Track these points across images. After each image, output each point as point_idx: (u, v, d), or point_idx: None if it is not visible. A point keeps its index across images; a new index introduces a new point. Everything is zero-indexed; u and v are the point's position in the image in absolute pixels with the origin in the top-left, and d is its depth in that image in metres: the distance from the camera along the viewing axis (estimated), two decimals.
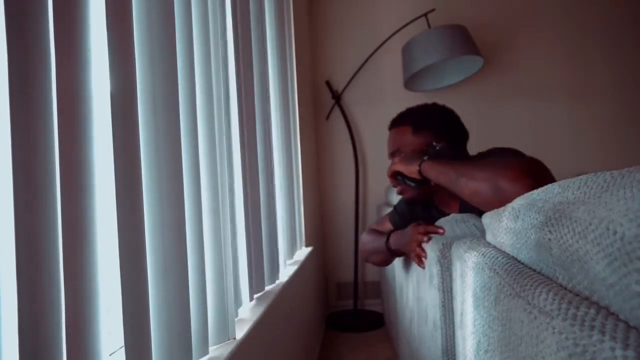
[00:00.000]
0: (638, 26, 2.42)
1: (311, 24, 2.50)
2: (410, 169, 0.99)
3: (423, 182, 1.00)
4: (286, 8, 1.68)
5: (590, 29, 2.42)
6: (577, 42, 2.42)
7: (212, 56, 0.76)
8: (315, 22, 2.50)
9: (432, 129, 1.09)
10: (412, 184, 1.03)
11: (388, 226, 1.29)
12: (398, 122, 1.15)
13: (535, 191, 0.50)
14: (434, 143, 1.04)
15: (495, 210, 0.59)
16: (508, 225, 0.52)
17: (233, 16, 0.92)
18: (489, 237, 0.63)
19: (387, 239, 1.13)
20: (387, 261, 1.21)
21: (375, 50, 2.29)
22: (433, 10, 2.19)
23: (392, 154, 1.14)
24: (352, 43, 2.46)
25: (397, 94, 2.43)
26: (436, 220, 0.97)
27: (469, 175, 0.80)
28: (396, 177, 1.07)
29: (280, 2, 1.52)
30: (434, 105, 1.15)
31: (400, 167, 1.02)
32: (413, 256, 0.98)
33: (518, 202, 0.52)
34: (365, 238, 1.29)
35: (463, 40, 1.97)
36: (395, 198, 1.55)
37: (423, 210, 1.17)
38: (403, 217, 1.24)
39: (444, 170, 0.88)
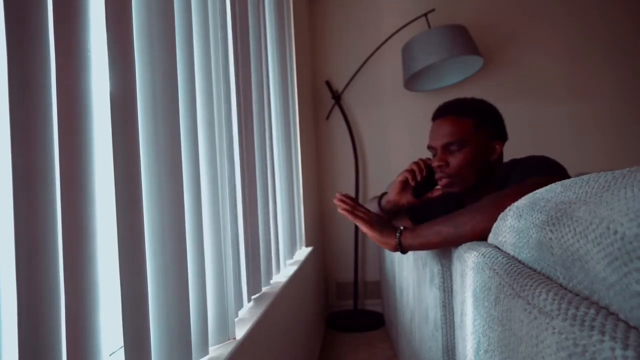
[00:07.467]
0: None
1: (311, 24, 2.50)
2: (388, 242, 0.84)
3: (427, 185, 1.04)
4: (286, 8, 1.68)
5: (591, 28, 2.42)
6: (577, 41, 2.42)
7: (212, 56, 0.76)
8: (315, 22, 2.50)
9: (493, 127, 1.03)
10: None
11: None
12: (457, 112, 1.03)
13: (538, 190, 0.50)
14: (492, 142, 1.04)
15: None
16: (512, 224, 0.52)
17: (233, 16, 0.92)
18: (490, 237, 0.63)
19: (380, 200, 1.21)
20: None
21: (375, 50, 2.29)
22: (433, 10, 2.19)
23: (446, 146, 1.03)
24: (352, 43, 2.46)
25: (397, 94, 2.43)
26: None
27: (472, 218, 0.72)
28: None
29: (280, 2, 1.52)
30: (486, 101, 1.08)
31: (374, 238, 0.87)
32: (402, 177, 1.11)
33: (522, 201, 0.52)
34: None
35: (463, 40, 1.97)
36: None
37: (456, 205, 1.14)
38: (425, 207, 1.19)
39: (436, 230, 0.77)
